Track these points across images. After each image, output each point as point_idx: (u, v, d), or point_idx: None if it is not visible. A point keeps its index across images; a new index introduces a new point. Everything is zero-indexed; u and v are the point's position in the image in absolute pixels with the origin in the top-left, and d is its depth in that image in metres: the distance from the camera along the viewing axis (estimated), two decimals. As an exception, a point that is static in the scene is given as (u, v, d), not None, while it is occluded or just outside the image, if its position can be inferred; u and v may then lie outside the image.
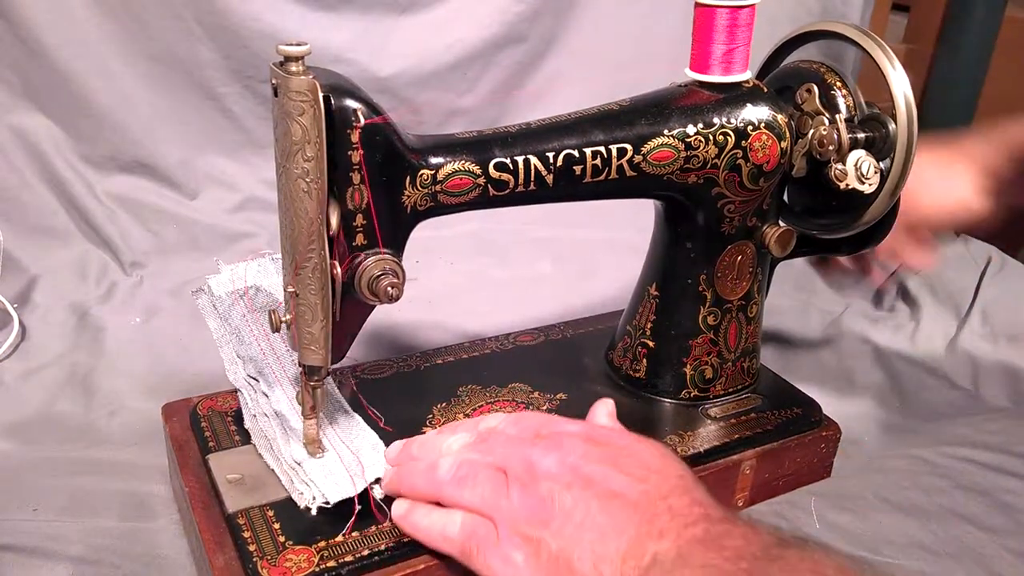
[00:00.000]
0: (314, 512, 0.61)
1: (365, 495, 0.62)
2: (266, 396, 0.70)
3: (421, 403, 0.74)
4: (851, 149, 0.67)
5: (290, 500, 0.62)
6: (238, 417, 0.70)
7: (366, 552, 0.58)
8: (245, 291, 0.72)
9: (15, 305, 0.99)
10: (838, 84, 0.69)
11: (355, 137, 0.56)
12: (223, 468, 0.65)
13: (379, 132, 0.57)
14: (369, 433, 0.67)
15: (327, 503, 0.61)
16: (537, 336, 0.87)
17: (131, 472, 0.76)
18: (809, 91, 0.69)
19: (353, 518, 0.60)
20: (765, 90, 0.69)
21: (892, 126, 0.67)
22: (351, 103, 0.56)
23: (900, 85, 0.66)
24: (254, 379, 0.71)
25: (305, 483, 0.63)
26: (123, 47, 1.11)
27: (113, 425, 0.83)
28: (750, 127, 0.67)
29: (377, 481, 0.63)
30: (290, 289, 0.59)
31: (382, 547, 0.58)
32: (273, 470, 0.65)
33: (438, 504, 0.58)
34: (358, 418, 0.69)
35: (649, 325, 0.76)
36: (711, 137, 0.67)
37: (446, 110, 1.28)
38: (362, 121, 0.56)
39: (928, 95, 1.55)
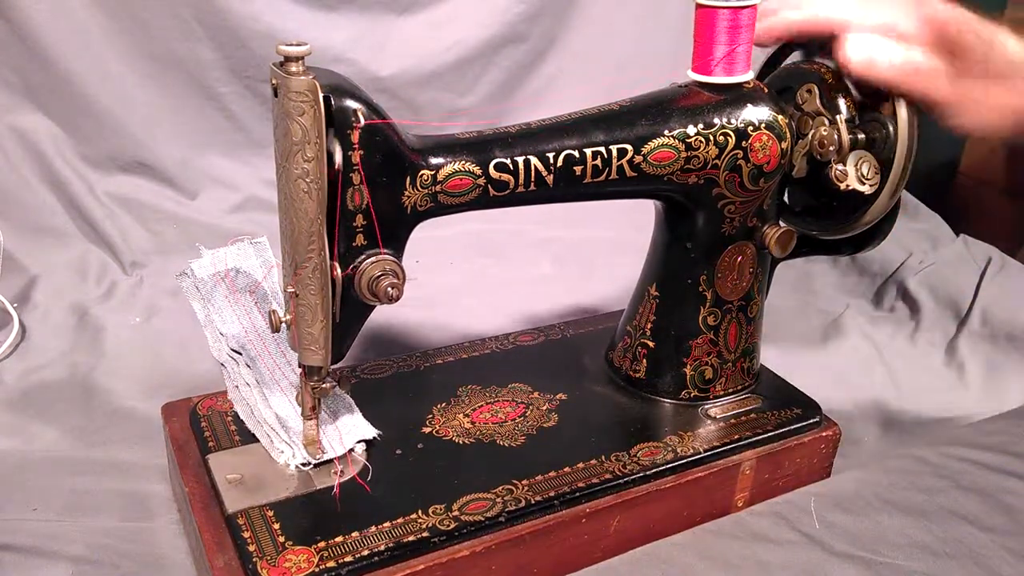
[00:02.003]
0: (292, 470, 0.64)
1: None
2: (248, 367, 0.72)
3: (421, 403, 0.74)
4: (851, 150, 0.67)
5: (290, 500, 0.62)
6: (238, 417, 0.71)
7: (366, 552, 0.58)
8: (226, 273, 0.74)
9: (15, 305, 0.99)
10: (838, 85, 0.69)
11: (355, 137, 0.56)
12: (223, 468, 0.65)
13: (379, 132, 0.57)
14: (345, 398, 0.70)
15: (306, 463, 0.65)
16: (537, 336, 0.87)
17: (131, 472, 0.76)
18: (810, 91, 0.69)
19: (338, 480, 0.63)
20: (766, 90, 0.69)
21: (892, 127, 0.67)
22: (351, 103, 0.56)
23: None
24: (236, 352, 0.72)
25: (286, 443, 0.66)
26: (123, 47, 1.11)
27: (113, 425, 0.83)
28: (750, 127, 0.67)
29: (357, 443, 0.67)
30: (290, 289, 0.59)
31: (382, 547, 0.58)
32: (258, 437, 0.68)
33: None
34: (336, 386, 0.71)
35: (649, 325, 0.76)
36: (711, 137, 0.67)
37: (446, 110, 1.28)
38: (362, 121, 0.56)
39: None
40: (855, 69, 0.65)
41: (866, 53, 0.64)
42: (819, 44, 0.70)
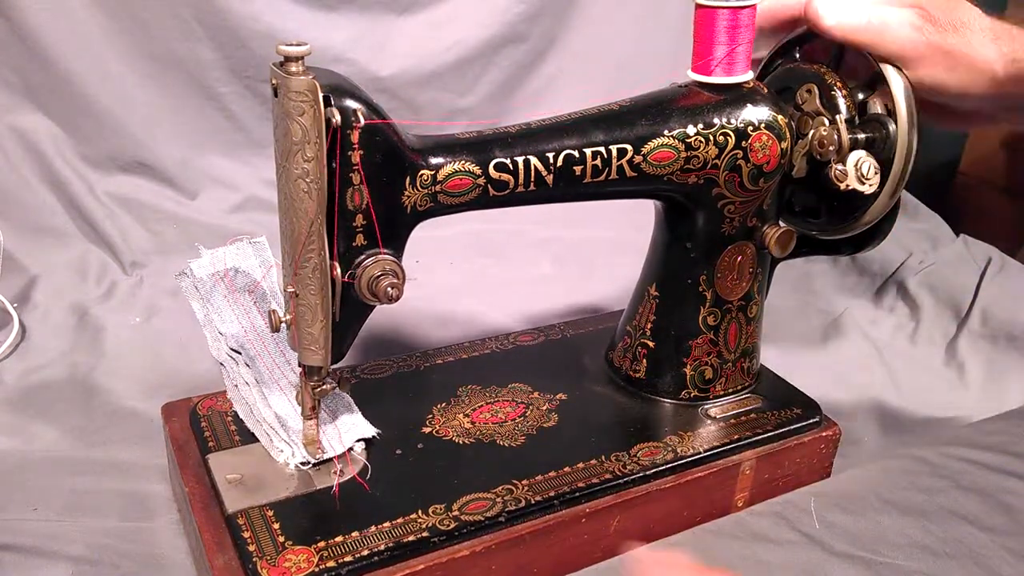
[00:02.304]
0: (291, 469, 0.65)
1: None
2: (248, 366, 0.72)
3: (421, 403, 0.74)
4: (851, 150, 0.67)
5: (290, 500, 0.62)
6: (238, 417, 0.71)
7: (366, 552, 0.58)
8: (225, 273, 0.74)
9: (15, 305, 0.99)
10: (838, 85, 0.69)
11: (355, 137, 0.56)
12: (223, 468, 0.65)
13: (379, 132, 0.57)
14: (345, 397, 0.70)
15: (306, 462, 0.65)
16: (537, 336, 0.87)
17: (131, 472, 0.76)
18: (809, 91, 0.69)
19: (337, 480, 0.63)
20: (765, 90, 0.69)
21: (892, 127, 0.67)
22: (351, 103, 0.56)
23: (900, 85, 0.66)
24: (235, 351, 0.72)
25: (285, 442, 0.66)
26: (123, 47, 1.11)
27: (113, 425, 0.83)
28: (750, 127, 0.67)
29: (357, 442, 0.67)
30: (290, 289, 0.59)
31: (382, 547, 0.58)
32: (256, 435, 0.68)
33: None
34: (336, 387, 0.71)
35: (649, 325, 0.76)
36: (711, 137, 0.67)
37: (446, 110, 1.28)
38: (362, 121, 0.56)
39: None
40: (827, 30, 0.66)
41: (835, 14, 0.65)
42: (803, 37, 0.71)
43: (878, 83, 0.68)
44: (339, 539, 0.59)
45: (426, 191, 0.61)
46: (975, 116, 0.71)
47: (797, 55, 0.74)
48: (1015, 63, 0.64)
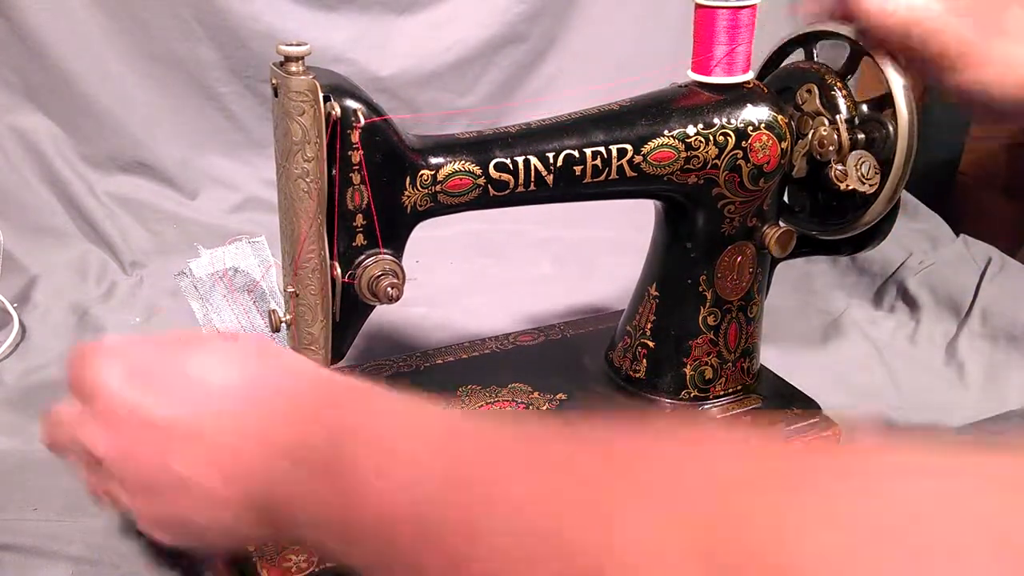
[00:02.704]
0: None
1: None
2: None
3: (421, 403, 0.74)
4: (851, 150, 0.67)
5: (290, 500, 0.62)
6: (238, 417, 0.71)
7: (366, 552, 0.58)
8: (224, 273, 0.74)
9: (15, 305, 0.99)
10: (838, 85, 0.69)
11: (355, 137, 0.56)
12: (223, 468, 0.65)
13: (379, 132, 0.57)
14: None
15: None
16: (537, 336, 0.87)
17: (131, 472, 0.76)
18: (809, 91, 0.69)
19: None
20: (765, 90, 0.69)
21: (892, 127, 0.67)
22: (351, 103, 0.56)
23: (900, 85, 0.66)
24: None
25: None
26: (123, 47, 1.11)
27: (113, 425, 0.83)
28: (750, 127, 0.67)
29: None
30: (290, 289, 0.59)
31: (382, 547, 0.58)
32: None
33: None
34: None
35: (649, 325, 0.76)
36: (711, 137, 0.67)
37: (446, 110, 1.28)
38: (362, 121, 0.56)
39: (928, 95, 1.56)
40: (870, 13, 0.65)
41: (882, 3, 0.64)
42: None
43: (887, 102, 0.67)
44: (339, 539, 0.59)
45: (426, 191, 0.61)
46: (1017, 116, 0.69)
47: (816, 55, 0.73)
48: None
